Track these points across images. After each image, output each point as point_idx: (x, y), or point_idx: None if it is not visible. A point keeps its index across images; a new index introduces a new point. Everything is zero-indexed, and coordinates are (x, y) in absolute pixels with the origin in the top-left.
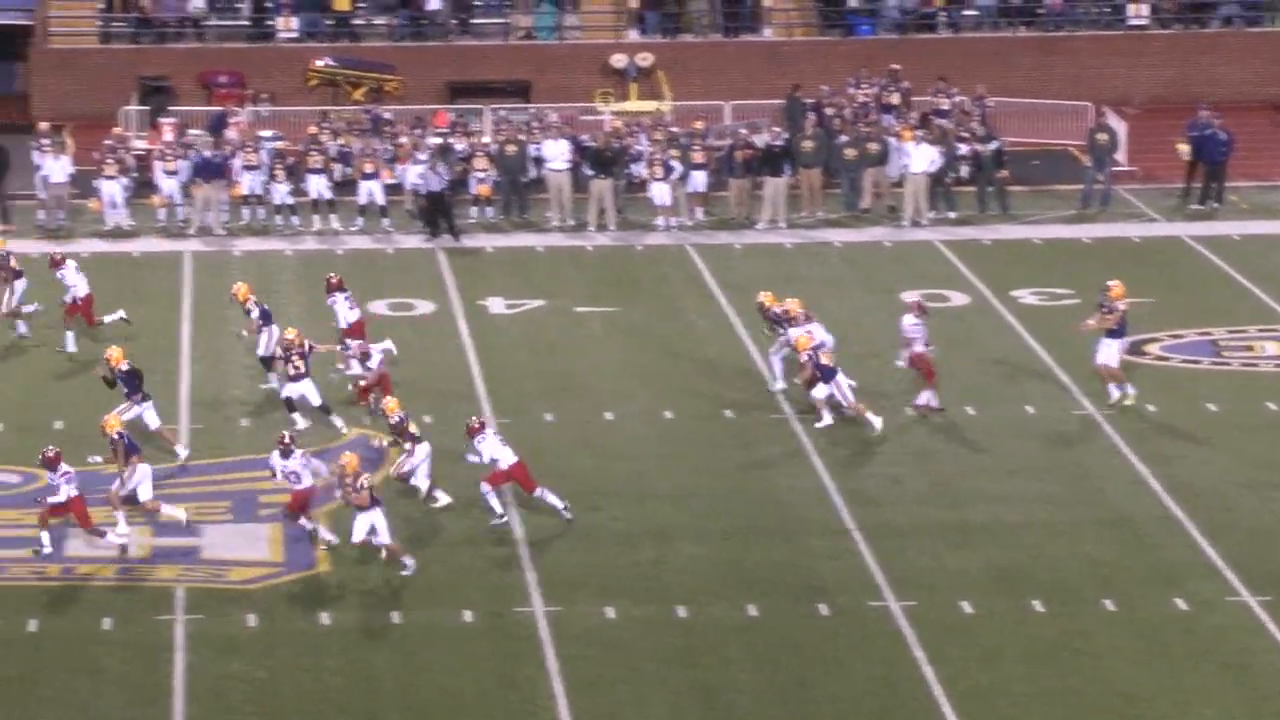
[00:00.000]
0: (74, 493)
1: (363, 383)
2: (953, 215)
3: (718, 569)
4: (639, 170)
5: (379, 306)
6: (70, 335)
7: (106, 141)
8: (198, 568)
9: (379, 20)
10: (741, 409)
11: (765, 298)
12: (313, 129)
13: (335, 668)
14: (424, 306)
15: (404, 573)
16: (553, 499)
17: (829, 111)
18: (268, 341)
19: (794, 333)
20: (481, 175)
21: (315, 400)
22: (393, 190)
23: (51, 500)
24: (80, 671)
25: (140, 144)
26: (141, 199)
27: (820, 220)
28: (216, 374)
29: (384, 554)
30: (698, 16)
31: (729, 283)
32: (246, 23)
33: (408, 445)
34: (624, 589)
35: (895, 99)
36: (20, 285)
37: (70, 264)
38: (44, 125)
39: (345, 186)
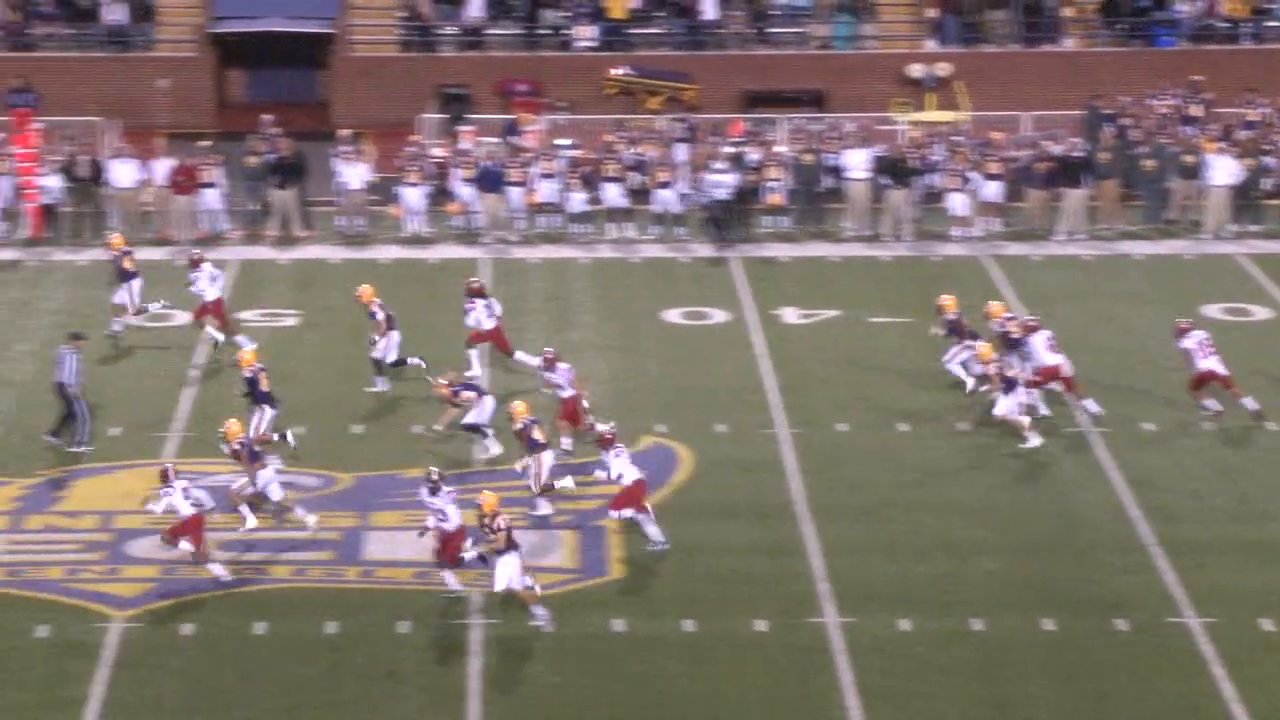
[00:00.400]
0: (190, 510)
1: (565, 395)
2: (1256, 228)
3: (1013, 583)
4: (936, 180)
5: (673, 315)
6: (209, 330)
7: (409, 149)
8: (486, 573)
9: (673, 30)
10: (1037, 422)
11: (946, 301)
12: (609, 137)
13: (629, 675)
14: (718, 315)
15: (536, 623)
16: (652, 528)
17: (1127, 122)
18: (387, 345)
19: (979, 343)
20: (774, 184)
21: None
22: (689, 199)
23: (185, 515)
24: (378, 674)
25: (438, 151)
26: (438, 206)
27: (1119, 232)
28: (514, 380)
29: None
30: (996, 26)
31: (1026, 294)
32: (545, 31)
33: (532, 451)
34: (918, 601)
35: (1195, 110)
36: (137, 285)
37: (206, 267)
38: (344, 132)
39: (640, 194)
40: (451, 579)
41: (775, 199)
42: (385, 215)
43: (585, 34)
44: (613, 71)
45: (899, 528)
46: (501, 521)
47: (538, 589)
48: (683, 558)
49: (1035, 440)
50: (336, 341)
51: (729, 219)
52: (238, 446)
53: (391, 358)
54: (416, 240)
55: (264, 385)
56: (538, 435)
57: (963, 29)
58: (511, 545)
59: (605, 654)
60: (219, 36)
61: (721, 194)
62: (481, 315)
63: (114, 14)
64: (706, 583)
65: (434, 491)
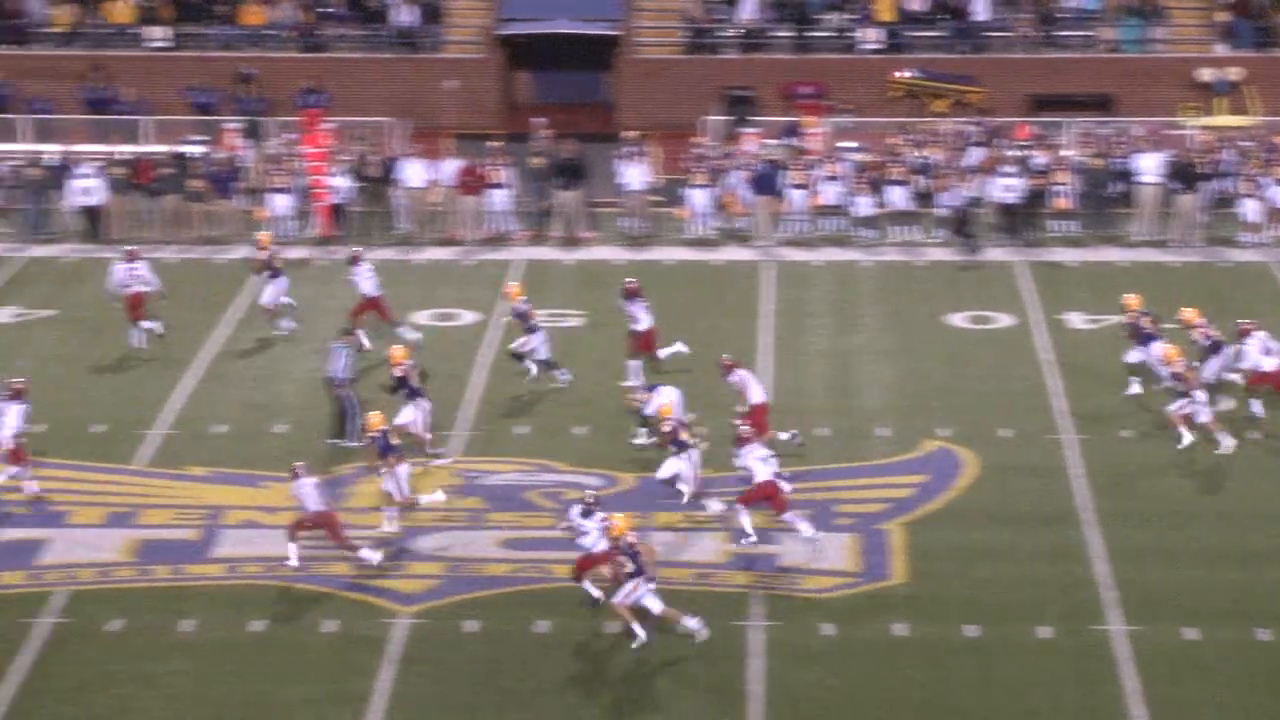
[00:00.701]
0: (320, 507)
1: (753, 401)
2: None
3: None
4: (1227, 186)
5: (957, 319)
6: (359, 333)
7: (696, 150)
8: (774, 575)
9: (958, 33)
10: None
11: (1130, 300)
12: (893, 140)
13: (912, 680)
14: (1003, 319)
15: (695, 638)
16: (801, 525)
17: None
18: (536, 344)
19: (1163, 345)
20: (1061, 188)
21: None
22: (974, 203)
23: (304, 512)
24: (662, 673)
25: (721, 153)
26: (721, 207)
27: None
28: (794, 383)
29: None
30: None
31: None
32: (829, 34)
33: (674, 451)
34: (1206, 610)
35: None
36: (280, 284)
37: (365, 265)
38: (629, 134)
39: (925, 197)
40: (598, 594)
41: (1062, 203)
42: (668, 216)
43: (870, 37)
44: (897, 74)
45: (1186, 535)
46: (628, 545)
47: (681, 617)
48: (966, 562)
49: (1188, 439)
50: (620, 342)
51: (958, 225)
52: (375, 436)
53: (543, 355)
54: (701, 242)
55: (413, 381)
56: (684, 436)
57: (1254, 33)
58: (639, 570)
59: (888, 659)
60: (506, 38)
61: (1011, 198)
62: (642, 316)
63: (403, 16)
64: (990, 588)
65: (587, 514)
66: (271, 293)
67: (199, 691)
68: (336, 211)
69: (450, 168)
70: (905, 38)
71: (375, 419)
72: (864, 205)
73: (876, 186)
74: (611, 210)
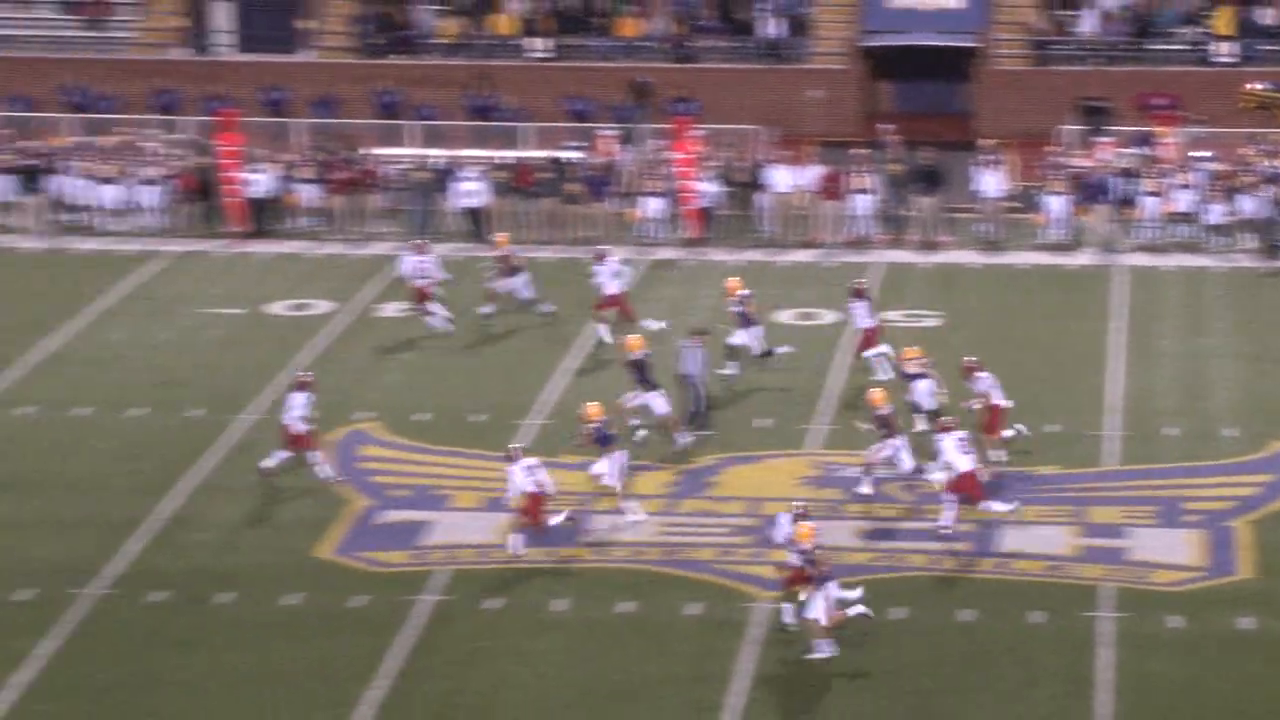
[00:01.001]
0: (531, 489)
1: (992, 403)
2: None
3: None
4: None
5: None
6: (603, 328)
7: (1052, 158)
8: (1124, 568)
9: None
10: None
11: None
12: (1244, 150)
13: (1260, 676)
14: None
15: (815, 656)
16: (998, 506)
17: None
18: (747, 338)
19: None
20: None
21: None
22: None
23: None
24: (1012, 661)
25: (1076, 162)
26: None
27: None
28: (1145, 384)
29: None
30: None
31: None
32: (1184, 47)
33: (885, 436)
34: None
35: None
36: (515, 281)
37: (610, 261)
38: (986, 142)
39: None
40: (789, 611)
41: None
42: (1023, 222)
43: (1223, 50)
44: (1248, 86)
45: None
46: (810, 551)
47: (855, 610)
48: None
49: None
50: (977, 343)
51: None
52: (595, 428)
53: (757, 349)
54: (1055, 246)
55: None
56: (894, 424)
57: None
58: (821, 578)
59: (1236, 653)
60: (868, 50)
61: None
62: (861, 315)
63: (771, 28)
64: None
65: (798, 520)
66: (510, 286)
67: (569, 668)
68: (705, 215)
69: (813, 173)
70: (1258, 51)
71: (593, 409)
72: (1216, 213)
73: (1229, 195)
74: (968, 216)
